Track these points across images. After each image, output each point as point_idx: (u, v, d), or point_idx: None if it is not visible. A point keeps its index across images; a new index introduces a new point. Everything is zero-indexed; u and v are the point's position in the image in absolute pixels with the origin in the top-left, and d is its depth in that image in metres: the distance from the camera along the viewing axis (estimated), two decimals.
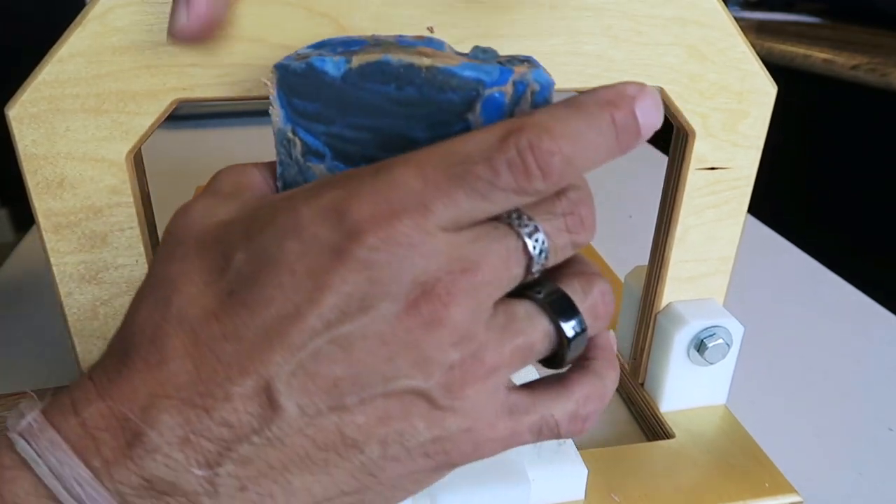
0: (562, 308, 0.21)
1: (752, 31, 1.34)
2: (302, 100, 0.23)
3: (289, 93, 0.23)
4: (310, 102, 0.22)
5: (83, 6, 0.26)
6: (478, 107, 0.21)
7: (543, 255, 0.20)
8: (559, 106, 0.20)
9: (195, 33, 0.24)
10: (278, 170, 0.24)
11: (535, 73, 0.22)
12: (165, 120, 0.28)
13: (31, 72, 0.27)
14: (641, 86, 0.20)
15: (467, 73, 0.21)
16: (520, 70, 0.22)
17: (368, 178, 0.19)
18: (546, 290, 0.21)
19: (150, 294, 0.20)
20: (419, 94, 0.21)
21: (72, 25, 0.26)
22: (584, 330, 0.21)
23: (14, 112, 0.27)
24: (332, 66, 0.22)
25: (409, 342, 0.19)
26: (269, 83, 0.23)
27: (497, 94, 0.21)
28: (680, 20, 0.30)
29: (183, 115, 0.96)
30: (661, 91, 0.31)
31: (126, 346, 0.20)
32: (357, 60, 0.22)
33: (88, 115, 0.27)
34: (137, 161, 0.29)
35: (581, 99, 0.20)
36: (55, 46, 0.26)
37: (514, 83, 0.21)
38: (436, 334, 0.19)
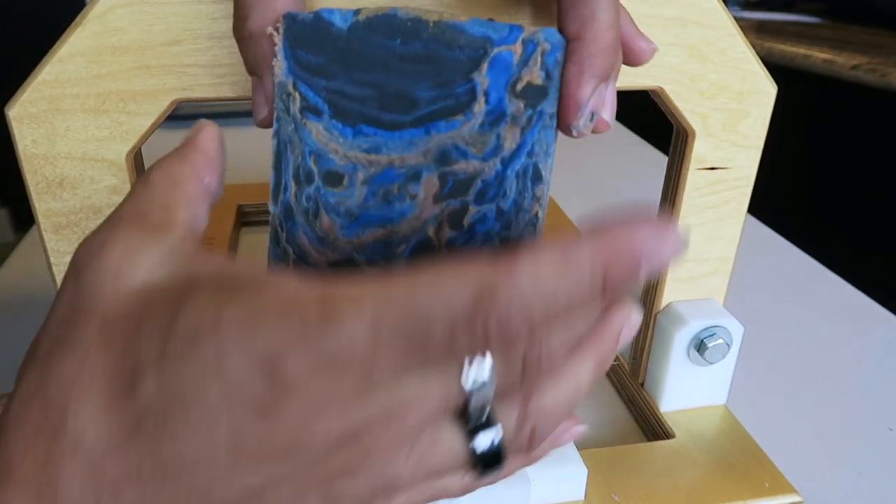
0: (489, 462, 0.20)
1: (752, 31, 1.34)
2: (306, 52, 0.22)
3: (294, 43, 0.22)
4: (314, 55, 0.22)
5: (83, 6, 0.26)
6: (485, 66, 0.21)
7: (483, 396, 0.18)
8: (546, 258, 0.17)
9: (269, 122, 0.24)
10: (274, 126, 0.23)
11: (546, 31, 0.21)
12: (165, 120, 0.28)
13: (31, 72, 0.27)
14: (662, 234, 0.17)
15: (475, 30, 0.21)
16: (530, 29, 0.21)
17: (315, 321, 0.16)
18: (484, 432, 0.19)
19: (38, 397, 0.17)
20: (425, 49, 0.21)
21: (72, 25, 0.26)
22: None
23: (14, 112, 0.27)
24: (340, 17, 0.21)
25: (325, 489, 0.17)
26: (275, 32, 0.22)
27: (505, 53, 0.21)
28: (680, 20, 0.30)
29: (183, 115, 0.96)
30: (661, 91, 0.31)
31: (7, 466, 0.17)
32: (365, 13, 0.21)
33: (88, 115, 0.27)
34: (137, 161, 0.29)
35: (573, 249, 0.17)
36: (55, 46, 0.26)
37: (524, 42, 0.21)
38: (355, 481, 0.18)
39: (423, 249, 0.23)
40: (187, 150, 0.22)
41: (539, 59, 0.21)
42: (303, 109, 0.22)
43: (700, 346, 0.36)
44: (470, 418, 0.19)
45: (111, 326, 0.17)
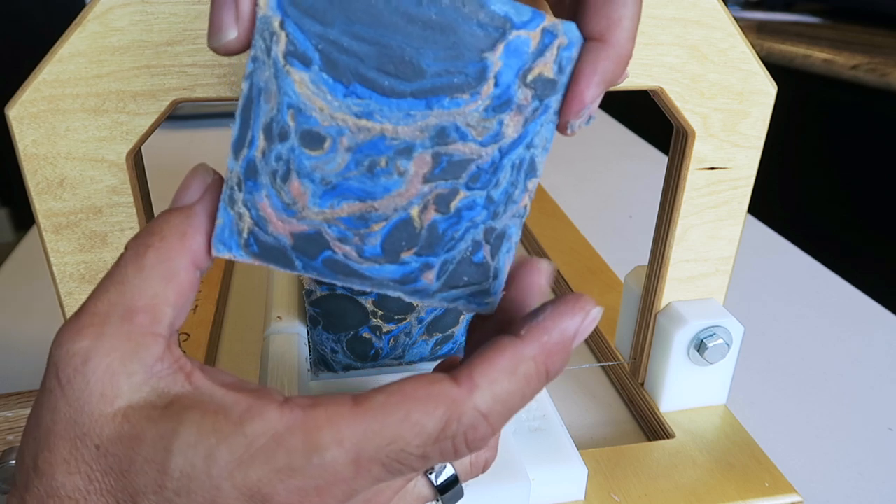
0: (448, 487, 0.24)
1: (752, 31, 1.34)
2: None
3: None
4: None
5: (83, 6, 0.26)
6: (500, 48, 0.20)
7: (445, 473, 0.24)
8: (498, 370, 0.20)
9: (244, 44, 0.20)
10: (248, 66, 0.20)
11: (566, 25, 0.21)
12: (165, 120, 0.28)
13: (31, 72, 0.27)
14: (585, 313, 0.21)
15: (497, 7, 0.20)
16: (551, 19, 0.20)
17: (300, 457, 0.18)
18: (442, 475, 0.24)
19: (53, 500, 0.18)
20: (441, 16, 0.19)
21: (72, 25, 0.26)
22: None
23: (14, 112, 0.27)
24: None
25: None
26: None
27: (523, 39, 0.20)
28: (681, 20, 0.30)
29: (183, 115, 0.96)
30: (661, 91, 0.31)
31: None
32: None
33: (88, 115, 0.27)
34: (137, 161, 0.29)
35: (520, 357, 0.20)
36: (55, 46, 0.26)
37: (543, 31, 0.20)
38: None
39: (403, 229, 0.22)
40: (188, 227, 0.21)
41: (555, 51, 0.21)
42: (288, 54, 0.20)
43: (700, 346, 0.36)
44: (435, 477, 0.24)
45: (105, 454, 0.19)
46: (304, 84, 0.20)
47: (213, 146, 0.88)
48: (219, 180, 0.22)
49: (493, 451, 0.26)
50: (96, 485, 0.18)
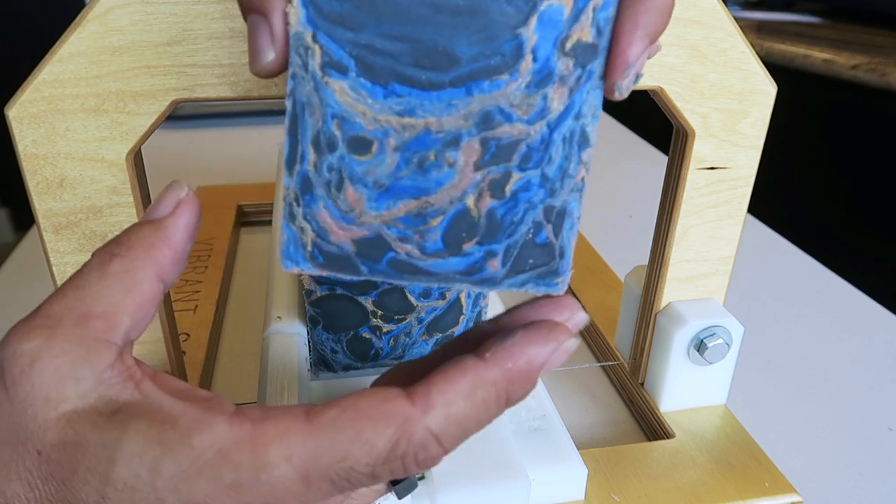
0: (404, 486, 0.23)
1: (752, 31, 1.34)
2: None
3: None
4: (338, 1, 0.19)
5: (83, 6, 0.26)
6: (533, 21, 0.19)
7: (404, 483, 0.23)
8: (456, 391, 0.19)
9: (282, 63, 0.20)
10: (289, 84, 0.20)
11: None
12: (165, 120, 0.28)
13: (31, 72, 0.27)
14: (557, 344, 0.21)
15: None
16: None
17: (247, 472, 0.18)
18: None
19: None
20: (467, 1, 0.19)
21: (72, 25, 0.26)
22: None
23: (14, 112, 0.27)
24: None
25: None
26: None
27: (556, 7, 0.19)
28: (680, 20, 0.30)
29: (183, 115, 0.96)
30: (661, 91, 0.31)
31: None
32: None
33: (88, 115, 0.27)
34: (137, 161, 0.29)
35: (480, 381, 0.20)
36: (55, 46, 0.26)
37: None
38: None
39: (461, 221, 0.21)
40: (156, 239, 0.21)
41: (591, 14, 0.20)
42: (324, 66, 0.20)
43: (700, 346, 0.36)
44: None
45: (46, 460, 0.18)
46: (343, 92, 0.20)
47: (213, 146, 0.88)
48: (193, 196, 0.22)
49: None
50: (36, 492, 0.18)
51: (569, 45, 0.20)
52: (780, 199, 1.18)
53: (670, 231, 0.35)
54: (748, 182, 0.35)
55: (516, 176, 0.21)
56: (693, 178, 0.34)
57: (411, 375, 0.22)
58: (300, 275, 0.35)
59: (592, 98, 0.21)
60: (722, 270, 0.37)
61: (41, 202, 0.28)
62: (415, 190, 0.21)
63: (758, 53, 0.32)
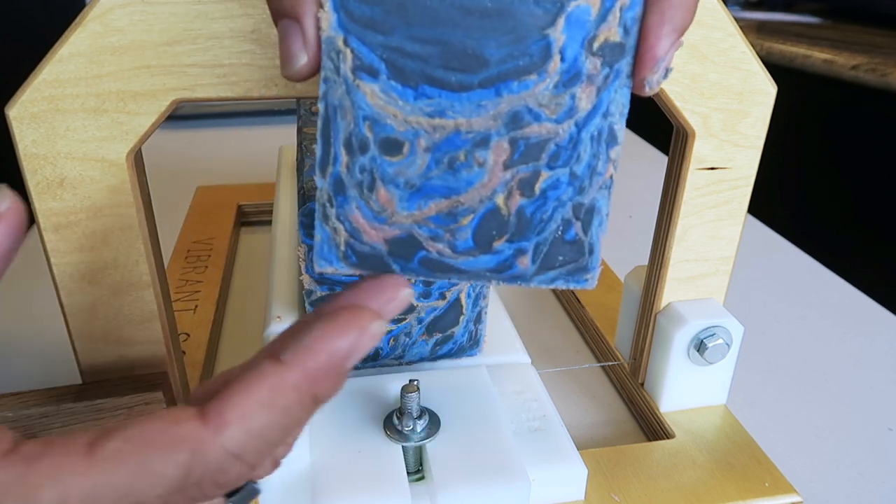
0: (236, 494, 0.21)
1: (752, 31, 1.34)
2: (359, 1, 0.20)
3: None
4: (368, 6, 0.20)
5: (83, 6, 0.26)
6: (561, 21, 0.20)
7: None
8: (254, 403, 0.18)
9: (314, 68, 0.21)
10: (321, 88, 0.21)
11: None
12: (165, 120, 0.28)
13: (31, 72, 0.27)
14: (359, 330, 0.19)
15: None
16: None
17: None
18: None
19: None
20: (495, 3, 0.19)
21: (72, 25, 0.26)
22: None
23: (14, 112, 0.27)
24: None
25: None
26: None
27: (583, 8, 0.20)
28: None
29: (183, 115, 0.96)
30: (662, 91, 0.31)
31: None
32: None
33: (88, 115, 0.27)
34: (137, 161, 0.29)
35: (280, 387, 0.18)
36: (55, 46, 0.26)
37: None
38: None
39: (491, 219, 0.22)
40: None
41: (618, 13, 0.20)
42: (355, 69, 0.20)
43: (700, 346, 0.36)
44: None
45: None
46: (375, 95, 0.20)
47: (213, 146, 0.88)
48: (15, 209, 0.20)
49: (287, 447, 0.23)
50: None
51: (596, 45, 0.21)
52: (780, 199, 1.18)
53: (670, 231, 0.35)
54: (748, 182, 0.35)
55: (545, 174, 0.22)
56: (693, 178, 0.34)
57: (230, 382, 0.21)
58: (300, 275, 0.35)
59: (620, 96, 0.22)
60: (722, 270, 0.37)
61: (41, 202, 0.28)
62: (445, 189, 0.21)
63: (758, 53, 0.32)
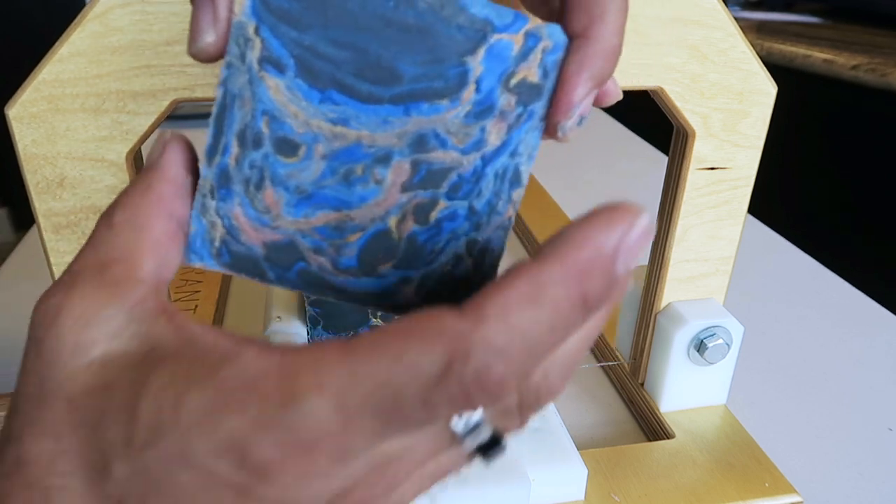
0: (489, 450, 0.19)
1: (752, 31, 1.34)
2: None
3: None
4: None
5: (83, 6, 0.26)
6: (481, 51, 0.19)
7: (477, 434, 0.18)
8: (516, 297, 0.16)
9: (220, 49, 0.20)
10: (223, 73, 0.19)
11: (551, 28, 0.20)
12: (165, 120, 0.28)
13: (31, 72, 0.27)
14: (627, 224, 0.16)
15: (478, 10, 0.19)
16: (535, 22, 0.20)
17: (274, 405, 0.16)
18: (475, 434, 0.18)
19: (20, 476, 0.17)
20: (419, 20, 0.19)
21: (72, 25, 0.26)
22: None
23: (14, 112, 0.27)
24: None
25: None
26: None
27: (505, 42, 0.19)
28: (681, 20, 0.30)
29: (183, 115, 0.96)
30: (662, 91, 0.31)
31: None
32: None
33: (88, 115, 0.27)
34: (137, 161, 0.29)
35: (542, 280, 0.16)
36: (55, 46, 0.26)
37: (526, 34, 0.20)
38: None
39: (380, 241, 0.21)
40: (152, 178, 0.20)
41: (539, 55, 0.20)
42: (262, 60, 0.19)
43: (700, 346, 0.36)
44: (466, 445, 0.19)
45: (76, 407, 0.17)
46: (278, 90, 0.19)
47: None
48: (177, 135, 0.21)
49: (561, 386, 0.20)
50: (64, 444, 0.17)
51: (514, 82, 0.20)
52: (780, 199, 1.18)
53: (670, 231, 0.35)
54: (748, 182, 0.35)
55: (443, 203, 0.21)
56: (693, 179, 0.34)
57: None
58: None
59: (530, 139, 0.21)
60: (722, 270, 0.37)
61: (41, 202, 0.28)
62: (337, 201, 0.20)
63: (758, 53, 0.32)
